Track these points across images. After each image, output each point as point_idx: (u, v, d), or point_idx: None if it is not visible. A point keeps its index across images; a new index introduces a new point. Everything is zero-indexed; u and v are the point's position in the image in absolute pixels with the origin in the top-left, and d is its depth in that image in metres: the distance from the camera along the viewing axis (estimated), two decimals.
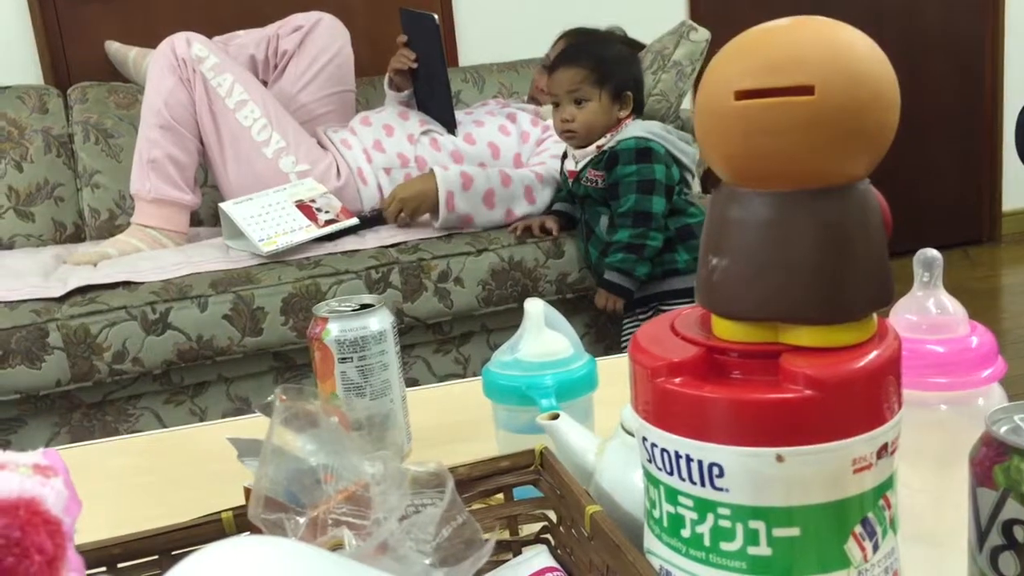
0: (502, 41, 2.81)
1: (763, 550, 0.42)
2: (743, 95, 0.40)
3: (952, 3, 3.27)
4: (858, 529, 0.42)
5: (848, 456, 0.41)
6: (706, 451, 0.42)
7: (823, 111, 0.39)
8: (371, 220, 2.07)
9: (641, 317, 1.92)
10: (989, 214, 3.47)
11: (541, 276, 1.97)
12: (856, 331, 0.42)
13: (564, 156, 2.03)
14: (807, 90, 0.39)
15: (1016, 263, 3.26)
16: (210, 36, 2.22)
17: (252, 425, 0.94)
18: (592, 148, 1.92)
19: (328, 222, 1.99)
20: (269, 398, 0.59)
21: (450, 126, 2.29)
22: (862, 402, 0.41)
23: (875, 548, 0.43)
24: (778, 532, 0.41)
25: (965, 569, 0.51)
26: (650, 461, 0.45)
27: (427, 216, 2.05)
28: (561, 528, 0.58)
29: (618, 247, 1.83)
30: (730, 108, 0.40)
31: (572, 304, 2.03)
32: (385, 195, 2.21)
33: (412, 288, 1.91)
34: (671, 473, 0.43)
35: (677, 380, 0.43)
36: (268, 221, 1.95)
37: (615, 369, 0.79)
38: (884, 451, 0.42)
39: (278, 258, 1.93)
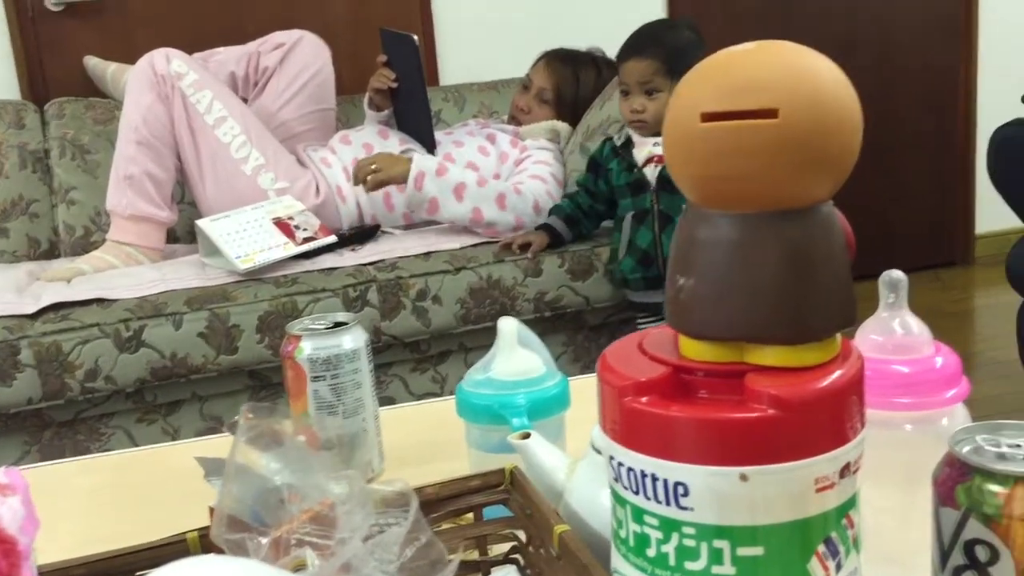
0: (482, 61, 2.82)
1: (727, 569, 0.42)
2: (709, 117, 0.40)
3: (925, 31, 3.32)
4: (821, 548, 0.43)
5: (811, 475, 0.41)
6: (671, 470, 0.42)
7: (787, 134, 0.39)
8: (350, 238, 2.06)
9: (657, 323, 1.93)
10: (963, 237, 3.52)
11: (519, 295, 1.97)
12: (820, 351, 0.43)
13: (621, 147, 1.98)
14: (771, 113, 0.39)
15: (988, 285, 3.30)
16: (190, 53, 2.22)
17: (223, 444, 0.93)
18: None
19: (306, 240, 1.99)
20: (237, 416, 0.59)
21: (430, 146, 2.29)
22: (825, 421, 0.41)
23: (838, 567, 0.43)
24: (742, 551, 0.42)
25: None
26: (617, 480, 0.45)
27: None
28: (530, 548, 0.58)
29: None
30: (696, 130, 0.41)
31: (550, 323, 2.03)
32: (364, 213, 2.21)
33: (390, 306, 1.91)
34: (637, 492, 0.44)
35: (644, 399, 0.43)
36: (245, 238, 1.94)
37: (589, 388, 0.79)
38: (847, 470, 0.42)
39: (255, 275, 1.92)
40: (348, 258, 1.99)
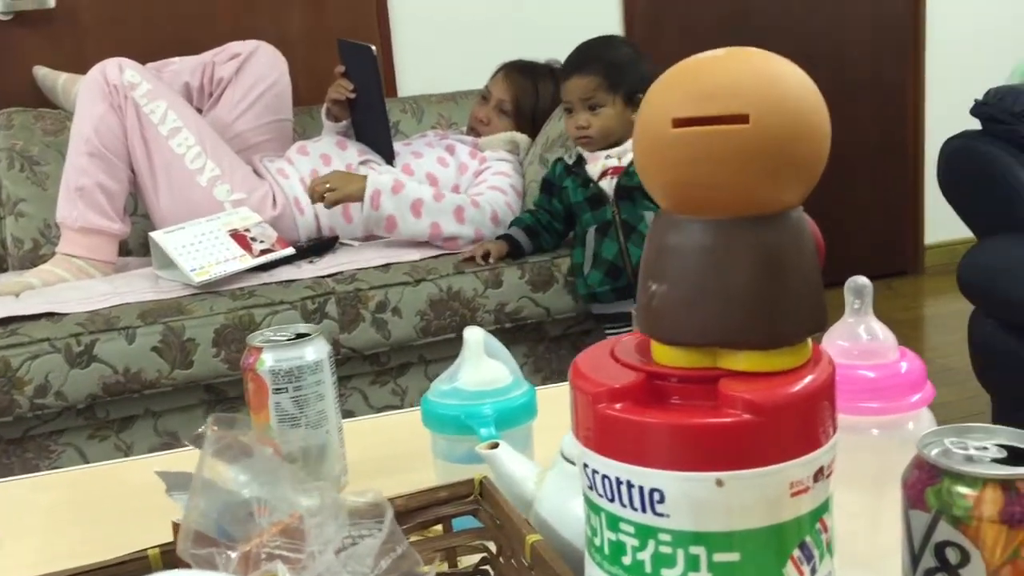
0: (441, 72, 2.82)
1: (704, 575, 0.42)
2: (680, 123, 0.41)
3: (875, 47, 3.40)
4: (796, 553, 0.43)
5: (786, 480, 0.41)
6: (647, 477, 0.42)
7: (757, 140, 0.40)
8: (307, 250, 2.04)
9: (629, 331, 1.93)
10: (913, 247, 3.59)
11: (480, 306, 1.96)
12: (792, 356, 0.43)
13: (574, 165, 2.00)
14: (742, 119, 0.39)
15: (938, 294, 3.37)
16: (143, 63, 2.18)
17: (180, 459, 0.91)
18: (628, 144, 1.94)
19: (263, 252, 1.96)
20: (200, 429, 0.58)
21: (388, 157, 2.29)
22: (799, 426, 0.41)
23: (812, 572, 0.43)
24: (718, 557, 0.42)
25: None
26: (591, 488, 0.45)
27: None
28: (501, 559, 0.57)
29: None
30: (667, 135, 0.41)
31: (511, 334, 2.02)
32: (322, 225, 2.19)
33: (349, 319, 1.89)
34: (612, 500, 0.43)
35: (617, 406, 0.43)
36: (201, 250, 1.91)
37: (554, 398, 0.79)
38: (820, 474, 0.43)
39: (210, 288, 1.89)
40: (306, 270, 1.97)
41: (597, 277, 1.92)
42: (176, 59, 2.37)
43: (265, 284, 1.92)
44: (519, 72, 2.37)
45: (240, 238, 1.96)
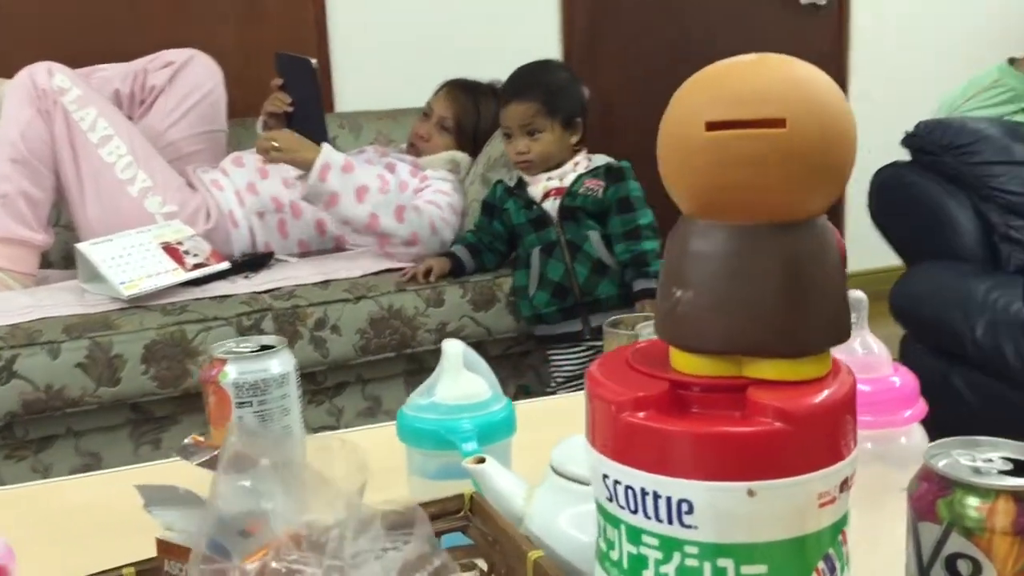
0: (379, 89, 2.79)
1: None
2: (714, 126, 0.40)
3: None
4: (820, 565, 0.42)
5: (815, 490, 0.41)
6: (674, 487, 0.40)
7: (794, 144, 0.39)
8: (243, 265, 1.99)
9: (576, 349, 1.94)
10: None
11: (421, 324, 1.93)
12: (818, 365, 0.42)
13: (515, 187, 2.02)
14: (779, 123, 0.39)
15: None
16: (71, 68, 2.10)
17: (160, 472, 0.86)
18: (569, 166, 1.97)
19: (196, 266, 1.90)
20: (186, 440, 0.55)
21: None
22: (828, 435, 0.41)
23: None
24: (746, 570, 0.41)
25: None
26: (610, 499, 0.43)
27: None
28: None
29: (656, 255, 1.88)
30: (700, 139, 0.40)
31: None
32: (257, 240, 2.14)
33: (286, 336, 1.84)
34: (635, 511, 0.42)
35: (641, 415, 0.42)
36: (130, 263, 1.84)
37: (528, 414, 0.77)
38: (845, 485, 0.42)
39: (140, 303, 1.82)
40: (241, 286, 1.92)
41: (543, 298, 1.92)
42: (106, 65, 2.28)
43: (198, 299, 1.86)
44: (461, 90, 2.36)
45: (172, 251, 1.90)
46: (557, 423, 0.74)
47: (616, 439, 0.42)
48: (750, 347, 0.42)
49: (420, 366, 2.01)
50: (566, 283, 1.91)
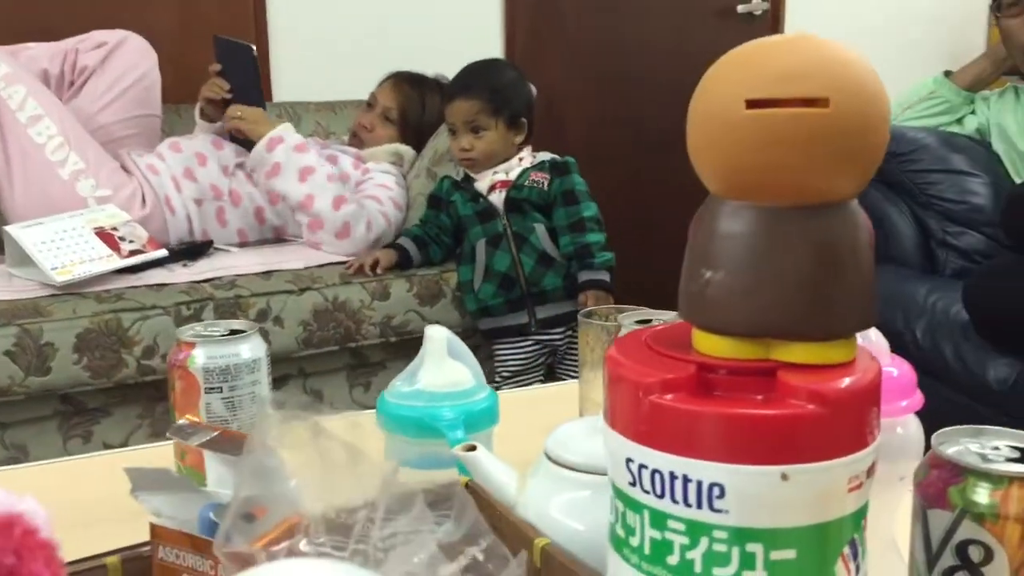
0: (319, 80, 2.74)
1: (759, 574, 0.40)
2: (754, 104, 0.39)
3: None
4: (846, 551, 0.42)
5: (846, 475, 0.40)
6: (705, 471, 0.40)
7: (836, 124, 0.39)
8: (181, 253, 1.92)
9: (522, 344, 1.93)
10: None
11: (366, 318, 1.90)
12: (846, 349, 0.42)
13: (462, 180, 2.03)
14: (822, 102, 0.39)
15: None
16: None
17: (147, 456, 0.82)
18: (515, 161, 1.98)
19: (132, 252, 1.83)
20: (181, 421, 0.52)
21: None
22: (860, 418, 0.41)
23: (857, 570, 0.43)
24: (775, 555, 0.40)
25: None
26: (633, 484, 0.42)
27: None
28: (490, 565, 0.54)
29: (600, 246, 1.89)
30: (740, 117, 0.39)
31: (395, 348, 1.97)
32: (195, 228, 2.08)
33: None
34: (662, 495, 0.41)
35: (671, 397, 0.41)
36: (63, 248, 1.76)
37: (506, 404, 0.76)
38: (871, 470, 0.42)
39: (72, 289, 1.75)
40: (180, 274, 1.85)
41: (489, 290, 1.91)
42: (33, 44, 2.19)
43: (134, 287, 1.79)
44: (407, 82, 2.34)
45: (107, 237, 1.83)
46: (523, 415, 0.73)
47: (643, 422, 0.41)
48: (780, 330, 0.41)
49: (362, 361, 1.98)
50: (512, 274, 1.91)
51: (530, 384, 1.92)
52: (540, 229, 1.92)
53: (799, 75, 0.39)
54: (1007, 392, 1.48)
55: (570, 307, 1.91)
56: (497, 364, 1.98)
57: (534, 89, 2.10)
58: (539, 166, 1.98)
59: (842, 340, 0.42)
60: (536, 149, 2.06)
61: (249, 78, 2.19)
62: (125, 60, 2.20)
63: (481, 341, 2.01)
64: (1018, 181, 1.86)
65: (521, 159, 2.00)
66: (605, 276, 1.88)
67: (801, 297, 0.41)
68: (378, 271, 1.92)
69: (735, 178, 0.41)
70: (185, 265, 1.90)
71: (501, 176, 1.98)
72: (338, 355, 1.93)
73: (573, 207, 1.92)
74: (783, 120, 0.39)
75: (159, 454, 0.85)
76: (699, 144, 0.42)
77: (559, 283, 1.92)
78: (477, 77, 2.00)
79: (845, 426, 0.40)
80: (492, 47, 2.98)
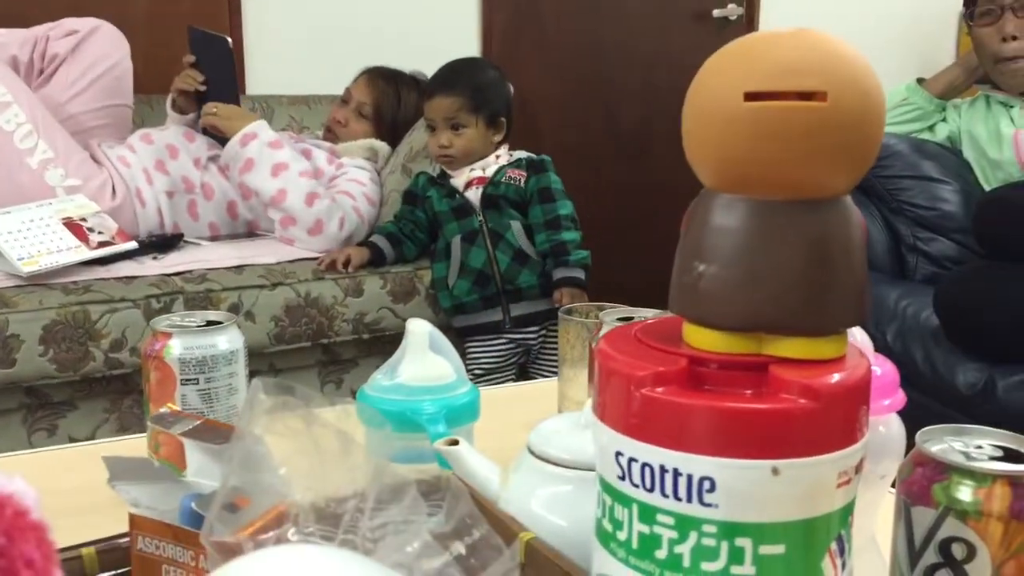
0: (293, 74, 2.72)
1: (747, 569, 0.40)
2: (752, 97, 0.39)
3: None
4: (833, 546, 0.42)
5: (836, 469, 0.40)
6: (696, 464, 0.39)
7: (834, 118, 0.39)
8: (151, 245, 1.90)
9: (496, 341, 1.93)
10: None
11: (338, 314, 1.89)
12: (837, 344, 0.42)
13: (438, 177, 2.02)
14: (820, 96, 0.39)
15: None
16: None
17: (124, 446, 0.80)
18: (492, 158, 1.98)
19: (101, 244, 1.80)
20: (162, 410, 0.51)
21: None
22: (850, 414, 0.41)
23: (843, 566, 0.43)
24: (764, 550, 0.40)
25: None
26: (622, 478, 0.42)
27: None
28: (473, 559, 0.53)
29: (576, 244, 1.90)
30: (738, 109, 0.39)
31: (367, 345, 1.96)
32: (166, 221, 2.05)
33: None
34: (651, 489, 0.41)
35: (662, 390, 0.40)
36: (29, 238, 1.73)
37: (483, 401, 0.76)
38: (860, 466, 0.42)
39: (39, 280, 1.72)
40: (149, 267, 1.83)
41: (464, 286, 1.91)
42: (2, 30, 2.15)
43: (102, 279, 1.76)
44: (382, 78, 2.32)
45: (75, 227, 1.80)
46: (501, 412, 0.73)
47: (634, 415, 0.41)
48: (772, 324, 0.41)
49: (334, 357, 1.97)
50: (488, 271, 1.91)
51: (503, 383, 1.91)
52: (516, 226, 1.92)
53: (797, 69, 0.39)
54: (975, 396, 1.50)
55: (545, 305, 1.91)
56: (469, 361, 1.97)
57: (512, 89, 2.10)
58: (516, 163, 1.98)
59: (834, 335, 0.42)
60: (511, 148, 2.06)
61: (224, 70, 2.16)
62: (96, 49, 2.17)
63: (454, 339, 2.00)
64: (988, 189, 1.89)
65: (498, 156, 2.00)
66: (580, 274, 1.88)
67: (794, 292, 0.41)
68: (350, 269, 1.90)
69: (731, 171, 0.41)
70: (155, 258, 1.87)
71: (478, 172, 1.97)
72: (310, 351, 1.91)
73: (549, 204, 1.92)
74: (781, 113, 0.39)
75: (131, 446, 0.84)
76: (695, 136, 0.42)
77: (534, 281, 1.92)
78: (459, 74, 2.00)
79: (836, 421, 0.40)
80: (469, 45, 2.97)
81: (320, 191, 2.04)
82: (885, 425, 0.57)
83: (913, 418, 0.57)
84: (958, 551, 0.46)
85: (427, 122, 2.01)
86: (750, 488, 0.39)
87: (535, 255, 1.92)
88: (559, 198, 1.93)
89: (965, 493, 0.45)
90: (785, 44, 0.40)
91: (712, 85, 0.41)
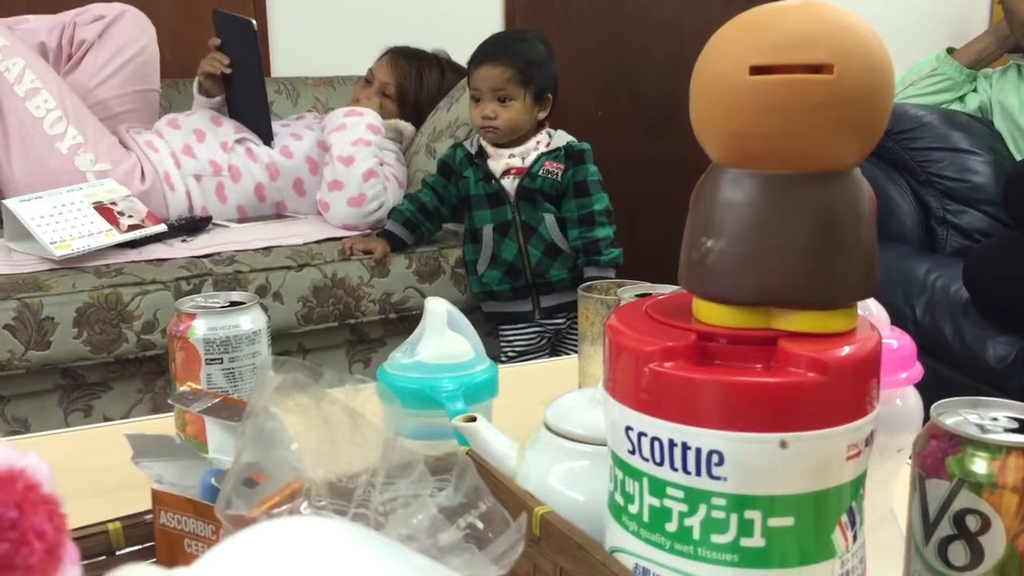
0: (317, 55, 2.73)
1: (757, 541, 0.40)
2: (759, 70, 0.39)
3: None
4: (844, 518, 0.42)
5: (844, 443, 0.40)
6: (705, 438, 0.40)
7: (840, 91, 0.39)
8: (180, 228, 1.92)
9: (526, 328, 1.93)
10: None
11: (365, 295, 1.90)
12: (847, 318, 0.42)
13: (476, 156, 1.95)
14: (827, 69, 0.38)
15: None
16: None
17: (152, 425, 0.82)
18: (532, 144, 1.92)
19: (132, 227, 1.83)
20: (182, 388, 0.52)
21: (266, 137, 2.18)
22: (859, 387, 0.41)
23: (855, 538, 0.43)
24: (773, 522, 0.40)
25: (887, 560, 0.53)
26: (632, 452, 0.42)
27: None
28: (490, 534, 0.54)
29: (608, 242, 1.87)
30: (743, 83, 0.39)
31: (394, 325, 1.97)
32: (195, 204, 2.07)
33: None
34: (661, 463, 0.41)
35: (671, 364, 0.41)
36: (62, 223, 1.76)
37: (506, 379, 0.76)
38: (870, 439, 0.42)
39: (72, 264, 1.75)
40: (179, 249, 1.85)
41: (496, 276, 1.91)
42: (30, 16, 2.18)
43: (133, 262, 1.79)
44: (405, 57, 2.32)
45: (106, 211, 1.82)
46: (522, 389, 0.73)
47: (644, 390, 0.41)
48: (781, 298, 0.41)
49: (361, 337, 1.98)
50: (518, 264, 1.90)
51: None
52: (550, 219, 1.89)
53: (804, 42, 0.39)
54: (1006, 370, 1.49)
55: (573, 296, 1.89)
56: (503, 344, 1.98)
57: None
58: (554, 154, 1.91)
59: (843, 309, 0.42)
60: (552, 127, 2.01)
61: (249, 54, 2.17)
62: (123, 34, 2.18)
63: (482, 319, 2.01)
64: (1019, 159, 1.86)
65: (538, 142, 1.94)
66: (611, 274, 1.87)
67: (802, 265, 0.41)
68: (373, 262, 1.90)
69: (738, 145, 0.41)
70: (184, 240, 1.89)
71: (517, 162, 1.91)
72: (337, 331, 1.93)
73: (584, 199, 1.88)
74: (787, 86, 0.39)
75: (160, 425, 0.86)
76: (702, 111, 0.42)
77: (565, 275, 1.91)
78: (509, 45, 1.94)
79: (845, 394, 0.40)
80: (493, 22, 2.96)
81: (379, 172, 2.04)
82: (902, 398, 0.57)
83: (942, 392, 0.56)
84: (972, 523, 0.46)
85: (471, 92, 1.94)
86: (758, 461, 0.39)
87: (567, 248, 1.91)
88: (595, 192, 1.89)
89: (979, 465, 0.45)
90: (792, 17, 0.40)
91: (718, 59, 0.41)
